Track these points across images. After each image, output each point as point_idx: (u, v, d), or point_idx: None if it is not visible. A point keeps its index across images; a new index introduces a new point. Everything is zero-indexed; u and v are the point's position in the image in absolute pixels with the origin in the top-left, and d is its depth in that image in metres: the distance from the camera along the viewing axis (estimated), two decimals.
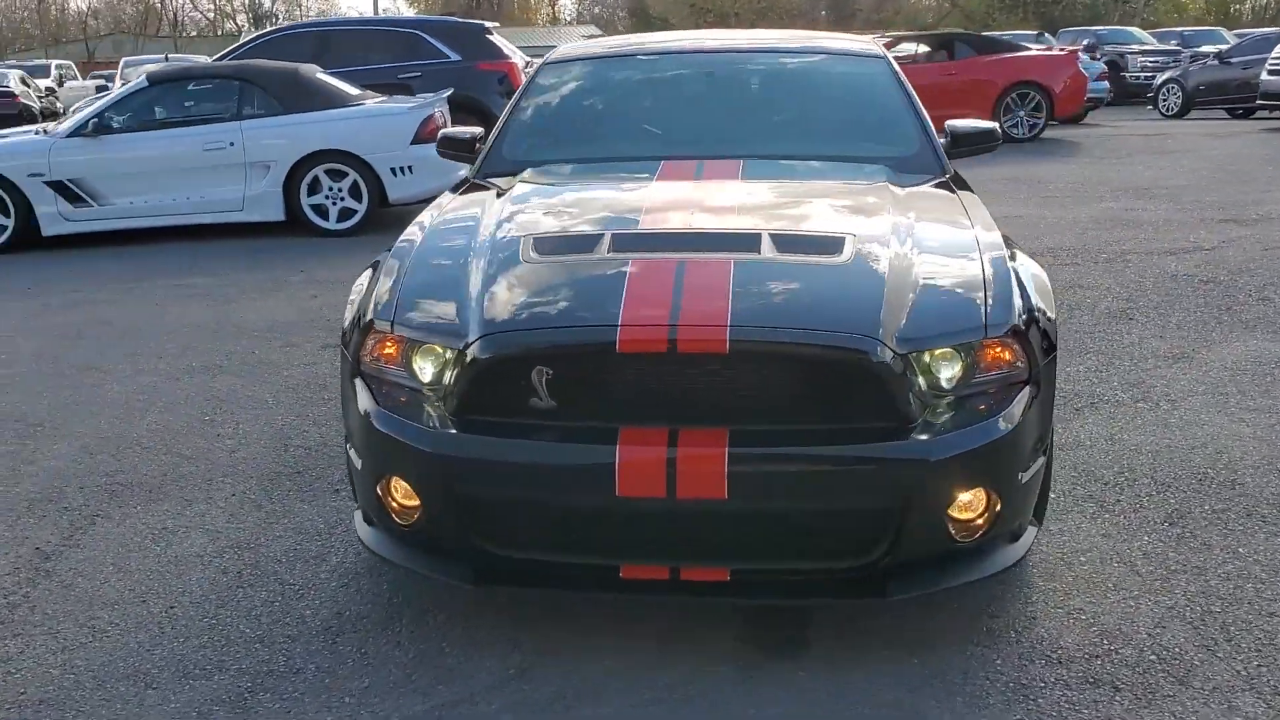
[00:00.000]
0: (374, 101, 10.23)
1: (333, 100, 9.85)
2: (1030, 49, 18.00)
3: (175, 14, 73.07)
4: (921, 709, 2.64)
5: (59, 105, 22.67)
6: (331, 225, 9.59)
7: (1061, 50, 18.74)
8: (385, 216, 9.61)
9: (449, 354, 2.82)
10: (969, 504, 2.78)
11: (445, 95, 10.33)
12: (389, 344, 2.96)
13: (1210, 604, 3.06)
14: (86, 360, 5.88)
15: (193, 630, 3.09)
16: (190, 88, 9.97)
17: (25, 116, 19.57)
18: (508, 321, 2.81)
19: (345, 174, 9.53)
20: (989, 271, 2.97)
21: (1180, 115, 20.44)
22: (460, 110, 10.79)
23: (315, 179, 9.53)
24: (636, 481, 2.64)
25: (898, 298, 2.80)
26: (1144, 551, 3.37)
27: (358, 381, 3.01)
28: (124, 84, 11.23)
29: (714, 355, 2.66)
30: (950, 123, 4.29)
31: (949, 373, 2.75)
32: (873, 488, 2.67)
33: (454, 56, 12.32)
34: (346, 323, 3.19)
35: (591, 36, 37.55)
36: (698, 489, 2.62)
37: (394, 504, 2.94)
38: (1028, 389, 2.82)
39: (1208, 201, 9.75)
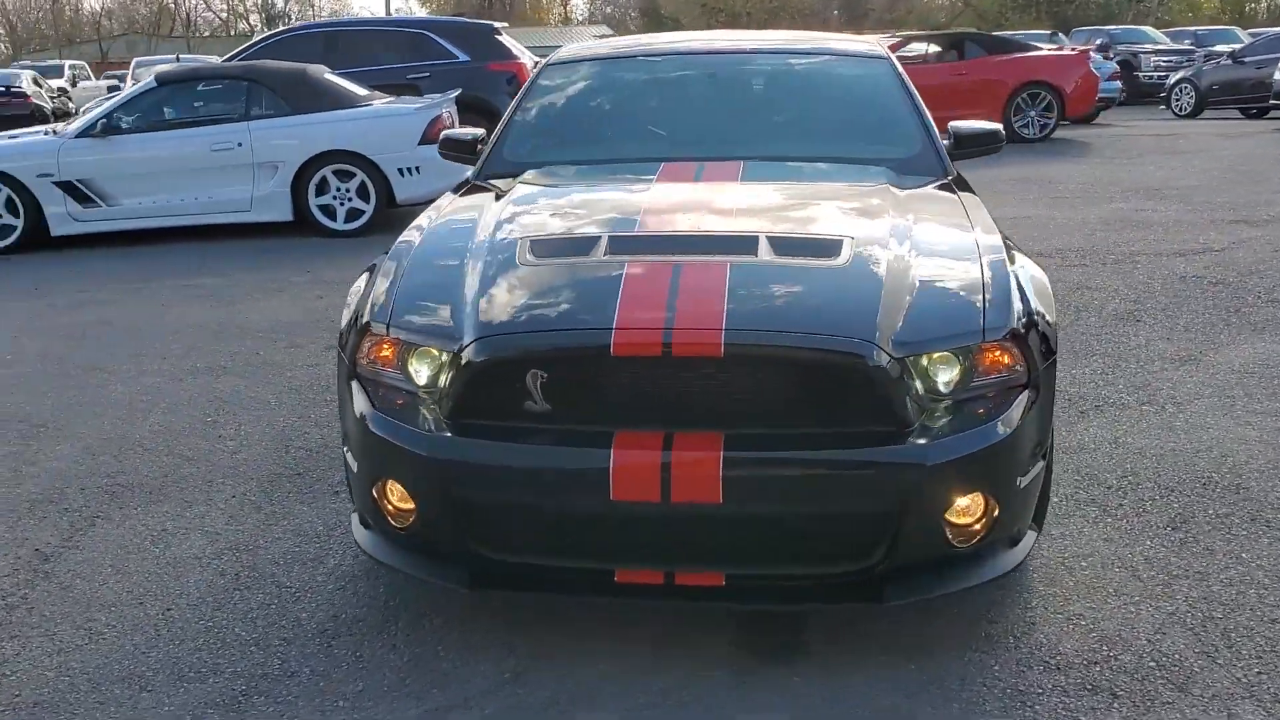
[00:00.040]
0: (382, 102, 10.24)
1: (340, 101, 9.87)
2: (1041, 49, 17.91)
3: (188, 14, 73.33)
4: (918, 715, 2.63)
5: (71, 105, 22.74)
6: (339, 226, 9.61)
7: (1073, 50, 18.66)
8: (393, 217, 9.60)
9: (444, 357, 2.81)
10: (966, 509, 2.76)
11: (453, 96, 10.33)
12: (385, 346, 2.96)
13: (1212, 610, 3.03)
14: (91, 361, 5.89)
15: (189, 633, 3.09)
16: (199, 88, 10.00)
17: (37, 117, 19.62)
18: (502, 324, 2.80)
19: (353, 174, 9.55)
20: (988, 275, 2.95)
21: (1193, 115, 20.35)
22: (469, 111, 10.79)
23: (323, 179, 9.55)
24: (631, 486, 2.62)
25: (895, 301, 2.78)
26: (1146, 556, 3.34)
27: (354, 384, 3.00)
28: (135, 84, 11.24)
29: (709, 359, 2.65)
30: (953, 124, 4.26)
31: (946, 376, 2.73)
32: (868, 492, 2.65)
33: (463, 57, 12.33)
34: (344, 325, 3.19)
35: (603, 36, 37.55)
36: (692, 493, 2.61)
37: (390, 507, 2.93)
38: (1026, 393, 2.79)
39: (1218, 202, 9.70)
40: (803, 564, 2.76)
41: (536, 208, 3.61)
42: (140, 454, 4.46)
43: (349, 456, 3.06)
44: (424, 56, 12.35)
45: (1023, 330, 2.83)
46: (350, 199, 9.61)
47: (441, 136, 4.63)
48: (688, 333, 2.65)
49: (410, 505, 2.86)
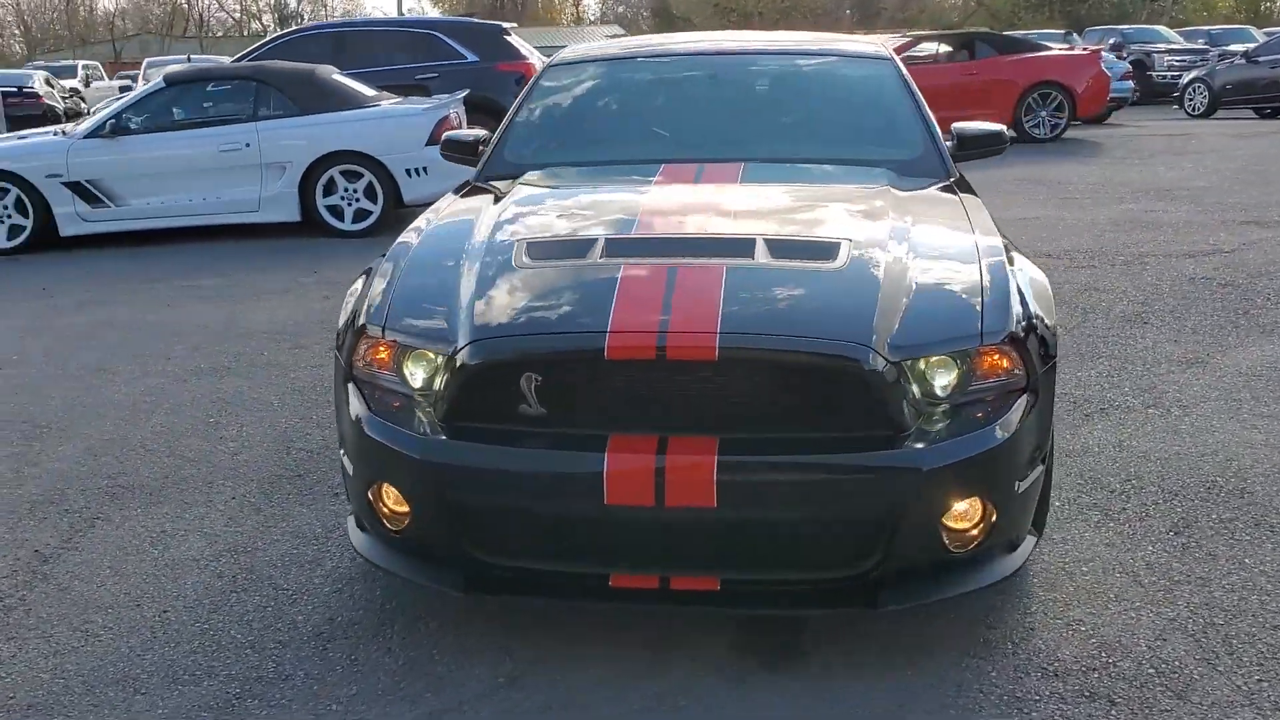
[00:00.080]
0: (390, 102, 10.25)
1: (348, 101, 9.88)
2: (1052, 48, 17.83)
3: (201, 15, 73.58)
4: None
5: (83, 106, 22.83)
6: (347, 226, 9.62)
7: (1084, 50, 18.58)
8: (400, 218, 9.59)
9: (439, 359, 2.80)
10: (963, 514, 2.74)
11: (461, 96, 10.34)
12: (381, 349, 2.95)
13: (1213, 616, 3.00)
14: (96, 361, 5.90)
15: (184, 635, 3.08)
16: (207, 89, 10.01)
17: (50, 117, 19.72)
18: (497, 327, 2.79)
19: (360, 175, 9.56)
20: (987, 278, 2.93)
21: (1207, 115, 20.23)
22: (477, 111, 10.79)
23: (331, 180, 9.56)
24: (625, 490, 2.61)
25: (892, 304, 2.76)
26: (1147, 562, 3.31)
27: (350, 386, 3.00)
28: (146, 85, 11.27)
29: (703, 362, 2.63)
30: (956, 125, 4.23)
31: (944, 380, 2.71)
32: (863, 497, 2.63)
33: (471, 57, 12.33)
34: (340, 327, 3.18)
35: (614, 36, 37.55)
36: (686, 497, 2.59)
37: (385, 510, 2.92)
38: (1025, 397, 2.77)
39: (1230, 203, 9.64)
40: (798, 569, 2.75)
41: (534, 209, 3.60)
42: (142, 455, 4.46)
43: (345, 459, 3.05)
44: (433, 57, 12.35)
45: (1021, 334, 2.81)
46: (358, 199, 9.62)
47: (443, 138, 4.63)
48: (682, 336, 2.63)
49: (405, 508, 2.85)
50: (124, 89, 21.90)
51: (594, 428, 2.69)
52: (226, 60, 14.87)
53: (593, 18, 78.22)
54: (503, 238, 3.22)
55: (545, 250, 3.14)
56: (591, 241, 3.09)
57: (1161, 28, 31.47)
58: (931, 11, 60.12)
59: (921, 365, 2.69)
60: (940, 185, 3.80)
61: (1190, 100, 20.69)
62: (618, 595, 2.77)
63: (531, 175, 3.97)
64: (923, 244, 3.10)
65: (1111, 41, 25.60)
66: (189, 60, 20.04)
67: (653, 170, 3.80)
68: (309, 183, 9.53)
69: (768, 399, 2.67)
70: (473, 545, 2.78)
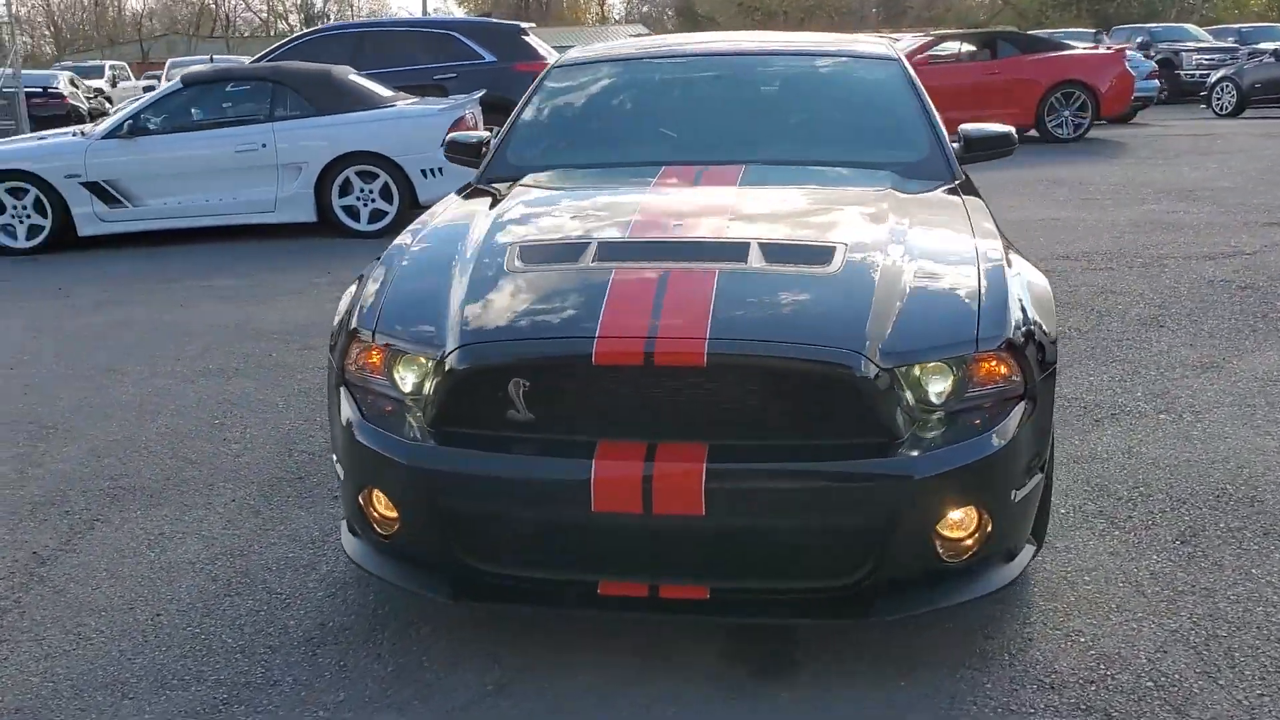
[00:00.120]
0: (406, 103, 10.26)
1: (364, 102, 9.89)
2: (1075, 47, 17.66)
3: (227, 15, 74.04)
4: None
5: (108, 106, 23.00)
6: (362, 226, 9.64)
7: (1108, 49, 18.39)
8: (416, 218, 9.61)
9: (429, 364, 2.78)
10: (958, 523, 2.69)
11: (477, 97, 10.34)
12: (373, 353, 2.93)
13: (1216, 628, 2.94)
14: (107, 361, 5.92)
15: (176, 639, 3.07)
16: (224, 89, 10.04)
17: (74, 117, 19.88)
18: (486, 331, 2.76)
19: (376, 175, 9.58)
20: (984, 283, 2.87)
21: (1234, 114, 19.98)
22: (495, 111, 10.75)
23: (346, 180, 9.59)
24: (612, 497, 2.58)
25: (886, 310, 2.72)
26: (1151, 571, 3.25)
27: (342, 390, 2.98)
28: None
29: (693, 368, 2.59)
30: (964, 126, 4.18)
31: (938, 387, 2.67)
32: (854, 505, 2.59)
33: (489, 57, 12.32)
34: (334, 330, 3.16)
35: (638, 35, 37.50)
36: (674, 505, 2.56)
37: (375, 515, 2.90)
38: (1022, 404, 2.72)
39: (1253, 204, 9.51)
40: (788, 578, 2.71)
41: (531, 212, 3.57)
42: (145, 456, 4.47)
43: (336, 464, 3.04)
44: (451, 57, 12.35)
45: (1020, 340, 2.75)
46: (373, 200, 9.64)
47: (447, 140, 4.61)
48: (670, 342, 2.60)
49: (395, 514, 2.83)
50: (148, 89, 22.06)
51: (583, 434, 2.66)
52: (246, 61, 14.92)
53: (617, 17, 78.21)
54: (496, 241, 3.19)
55: (538, 254, 3.11)
56: (584, 245, 3.06)
57: (1190, 26, 31.17)
58: (958, 10, 59.73)
59: (916, 372, 2.65)
60: (945, 188, 3.75)
61: (1218, 99, 20.44)
62: (606, 603, 2.73)
63: (531, 177, 3.94)
64: (921, 248, 3.05)
65: (1139, 40, 25.36)
66: (211, 61, 20.13)
67: (653, 172, 3.77)
68: (325, 183, 9.55)
69: (758, 405, 2.63)
70: (462, 552, 2.76)
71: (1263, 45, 23.92)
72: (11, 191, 9.45)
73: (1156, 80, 19.88)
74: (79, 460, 4.45)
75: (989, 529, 2.69)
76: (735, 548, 2.66)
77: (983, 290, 2.84)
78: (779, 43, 4.89)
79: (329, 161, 9.50)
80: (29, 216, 9.53)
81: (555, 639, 2.96)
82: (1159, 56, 23.08)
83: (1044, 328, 2.88)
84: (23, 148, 9.95)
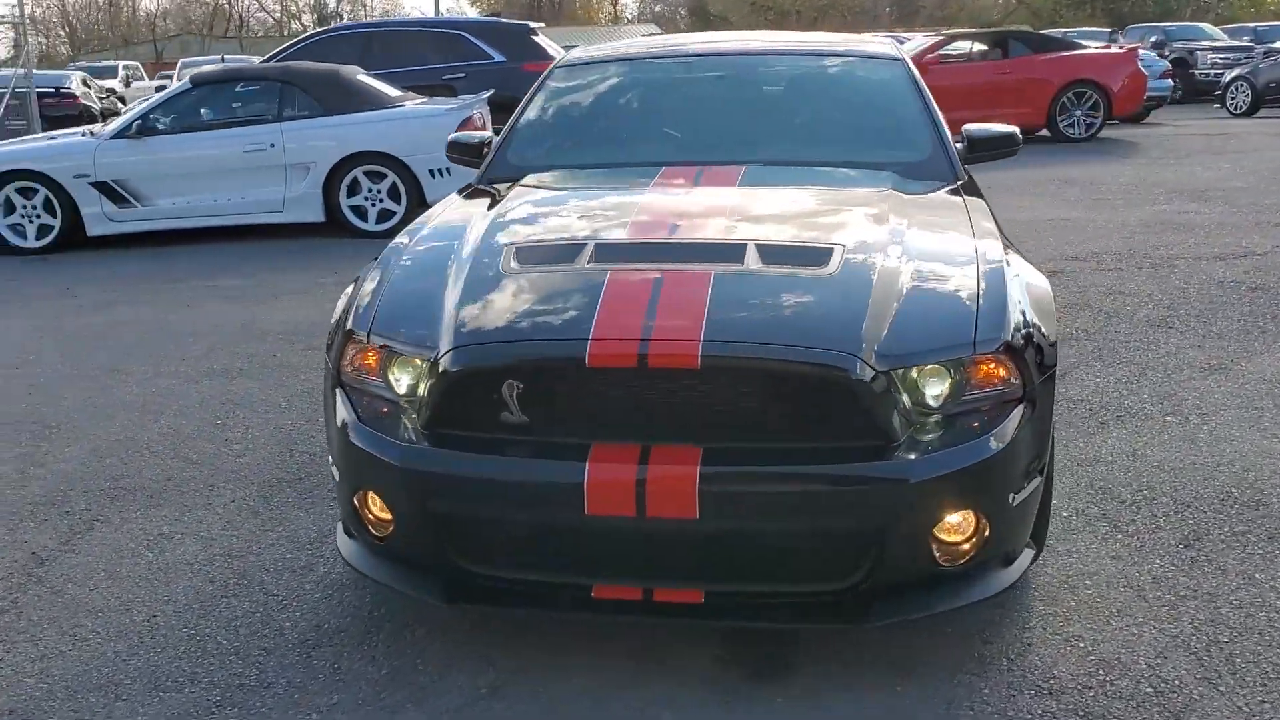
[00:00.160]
0: (414, 103, 10.26)
1: (372, 102, 9.90)
2: (1088, 47, 17.57)
3: (241, 15, 74.25)
4: None
5: (120, 106, 23.06)
6: (370, 226, 9.64)
7: (1120, 48, 18.29)
8: None
9: (423, 365, 2.77)
10: (955, 527, 2.66)
11: (485, 96, 10.33)
12: (369, 354, 2.92)
13: (1218, 633, 2.91)
14: (111, 362, 5.93)
15: (171, 640, 3.07)
16: (232, 90, 10.07)
17: (86, 117, 19.93)
18: (479, 333, 2.75)
19: (384, 175, 9.58)
20: (983, 284, 2.85)
21: (1249, 114, 19.86)
22: (503, 111, 10.65)
23: (354, 180, 9.59)
24: (605, 500, 2.56)
25: (883, 312, 2.69)
26: (1154, 575, 3.22)
27: (338, 392, 2.97)
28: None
29: (686, 371, 2.57)
30: (967, 127, 4.15)
31: (936, 390, 2.64)
32: (849, 509, 2.57)
33: (498, 57, 12.33)
34: (330, 331, 3.15)
35: (650, 35, 37.47)
36: (667, 509, 2.54)
37: (370, 517, 2.89)
38: (1021, 408, 2.69)
39: (1265, 205, 9.44)
40: (783, 582, 2.68)
41: (529, 213, 3.55)
42: (146, 457, 4.47)
43: (332, 465, 3.03)
44: (460, 57, 12.35)
45: (1019, 343, 2.73)
46: (381, 200, 9.65)
47: (449, 140, 4.61)
48: (664, 344, 2.58)
49: (389, 516, 2.82)
50: (159, 89, 22.12)
51: (576, 436, 2.64)
52: (256, 61, 14.96)
53: (630, 17, 78.21)
54: (493, 242, 3.18)
55: (534, 255, 3.10)
56: (581, 246, 3.04)
57: (1205, 25, 30.99)
58: (971, 9, 59.59)
59: (913, 374, 2.62)
60: (947, 188, 3.72)
61: (1232, 99, 20.32)
62: (600, 606, 2.72)
63: (531, 178, 3.93)
64: (920, 249, 3.02)
65: (1153, 39, 25.23)
66: (223, 61, 20.20)
67: (652, 173, 3.75)
68: (333, 183, 9.57)
69: (753, 408, 2.60)
70: (455, 554, 2.75)
71: (1278, 44, 23.77)
72: (21, 191, 9.49)
73: (1170, 80, 19.78)
74: (81, 460, 4.46)
75: (987, 533, 2.67)
76: (729, 551, 2.64)
77: (981, 292, 2.81)
78: (782, 42, 4.86)
79: (337, 161, 9.51)
80: (39, 216, 9.56)
81: (550, 642, 2.94)
82: (1174, 55, 22.96)
83: (1043, 330, 2.85)
84: (32, 148, 9.98)
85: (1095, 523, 3.57)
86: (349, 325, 2.99)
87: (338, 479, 2.99)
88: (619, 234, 3.18)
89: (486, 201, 3.68)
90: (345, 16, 70.16)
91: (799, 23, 55.05)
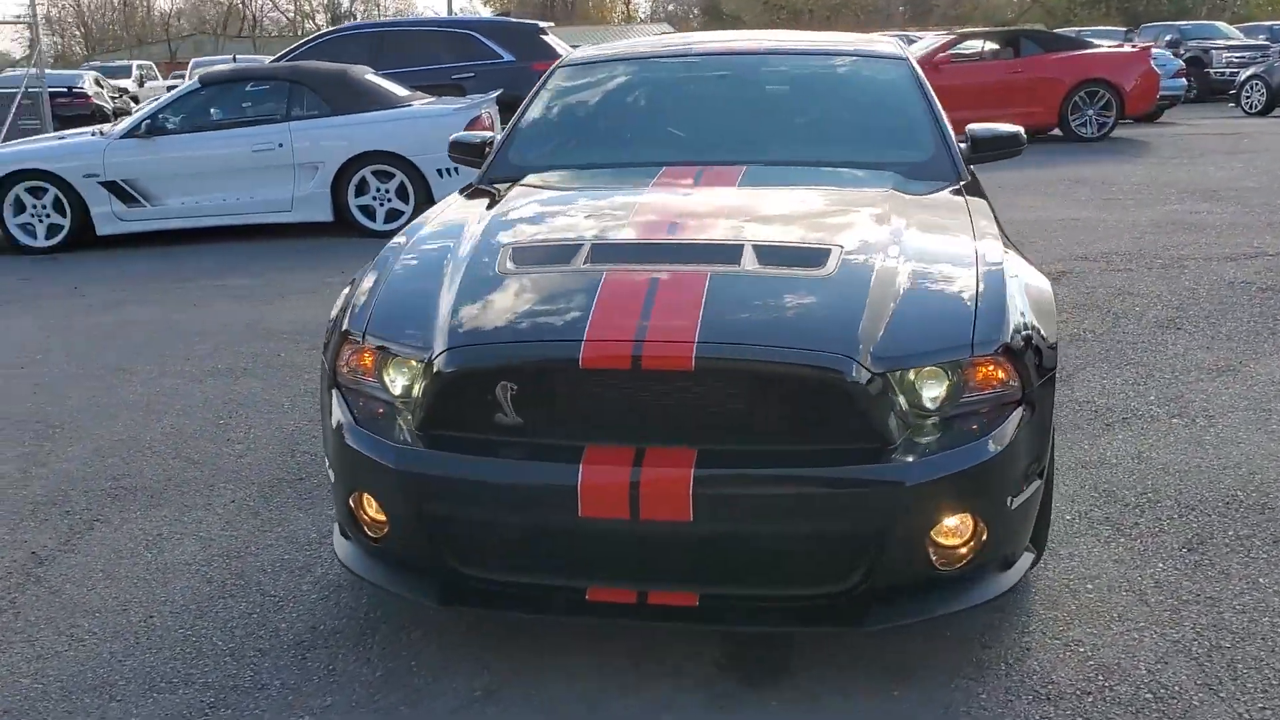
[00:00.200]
0: (422, 102, 10.26)
1: (381, 101, 9.90)
2: (1100, 46, 17.47)
3: (254, 15, 74.48)
4: None
5: (133, 105, 23.14)
6: (379, 226, 9.64)
7: (1133, 47, 18.19)
8: None
9: (418, 366, 2.76)
10: (953, 530, 2.64)
11: (493, 96, 10.33)
12: (364, 355, 2.91)
13: (1220, 639, 2.88)
14: (116, 361, 5.93)
15: (167, 641, 3.06)
16: (241, 89, 10.08)
17: (98, 117, 20.00)
18: (474, 334, 2.73)
19: (392, 175, 9.58)
20: (982, 286, 2.82)
21: (1264, 113, 19.72)
22: (512, 111, 10.70)
23: (363, 180, 9.60)
24: (599, 503, 2.54)
25: (880, 313, 2.67)
26: (1156, 580, 3.19)
27: (334, 393, 2.96)
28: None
29: (680, 372, 2.56)
30: (971, 126, 4.12)
31: (933, 392, 2.62)
32: (845, 512, 2.54)
33: (507, 57, 12.32)
34: (327, 331, 3.14)
35: (662, 34, 37.41)
36: (661, 511, 2.52)
37: (366, 518, 2.88)
38: (1019, 410, 2.66)
39: (1278, 205, 9.37)
40: (779, 585, 2.66)
41: (527, 213, 3.54)
42: (148, 456, 4.47)
43: (328, 467, 3.02)
44: (469, 57, 12.35)
45: (1018, 345, 2.70)
46: (390, 199, 9.66)
47: (450, 140, 4.60)
48: (658, 345, 2.56)
49: (384, 517, 2.81)
50: (171, 89, 22.20)
51: (571, 438, 2.63)
52: (267, 60, 14.99)
53: (643, 16, 78.17)
54: (490, 242, 3.17)
55: (530, 256, 3.08)
56: (577, 247, 3.02)
57: (1221, 23, 30.79)
58: (985, 8, 59.36)
59: (910, 376, 2.60)
60: (949, 189, 3.69)
61: (1247, 98, 20.18)
62: (595, 609, 2.70)
63: (531, 178, 3.92)
64: (919, 250, 3.00)
65: (1168, 38, 25.09)
66: (234, 60, 20.24)
67: (653, 173, 3.73)
68: (341, 182, 9.57)
69: (748, 410, 2.59)
70: (450, 556, 2.74)
71: None
72: (31, 191, 9.52)
73: (1184, 78, 19.65)
74: (83, 460, 4.46)
75: (985, 536, 2.64)
76: (724, 554, 2.62)
77: (980, 293, 2.79)
78: (785, 42, 4.83)
79: (345, 161, 9.52)
80: (48, 216, 9.59)
81: (545, 644, 2.93)
82: (1188, 54, 22.81)
83: (1043, 332, 2.82)
84: (42, 147, 10.01)
85: (1098, 526, 3.54)
86: (345, 325, 2.98)
87: (333, 480, 2.97)
88: (617, 234, 3.17)
89: (486, 201, 3.67)
90: (359, 16, 70.29)
91: (812, 21, 54.94)
